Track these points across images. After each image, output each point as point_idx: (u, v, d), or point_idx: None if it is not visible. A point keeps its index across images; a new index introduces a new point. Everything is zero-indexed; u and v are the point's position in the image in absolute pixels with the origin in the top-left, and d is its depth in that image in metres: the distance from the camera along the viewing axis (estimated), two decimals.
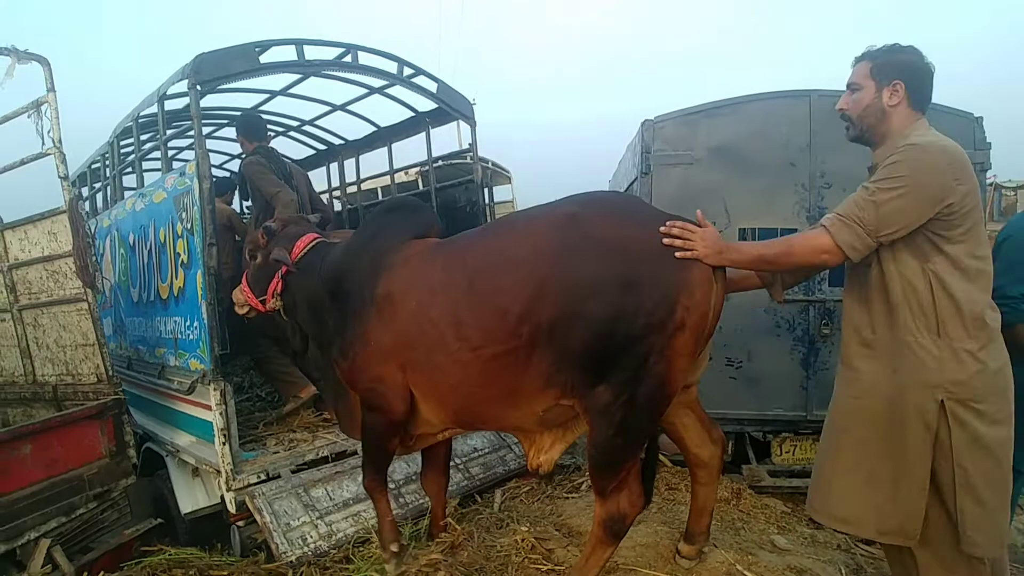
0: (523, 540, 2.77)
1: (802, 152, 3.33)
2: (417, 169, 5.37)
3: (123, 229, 3.92)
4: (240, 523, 3.21)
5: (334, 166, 4.98)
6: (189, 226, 3.11)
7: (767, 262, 1.94)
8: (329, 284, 2.50)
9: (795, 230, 3.37)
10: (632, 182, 3.89)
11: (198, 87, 3.07)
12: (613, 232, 1.93)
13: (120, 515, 3.30)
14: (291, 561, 2.81)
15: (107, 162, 4.35)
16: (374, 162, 4.80)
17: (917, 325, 1.80)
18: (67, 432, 3.08)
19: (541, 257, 1.95)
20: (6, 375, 3.75)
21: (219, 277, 3.05)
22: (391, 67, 3.62)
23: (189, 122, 3.70)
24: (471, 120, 3.99)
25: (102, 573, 2.93)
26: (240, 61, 3.13)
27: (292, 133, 4.78)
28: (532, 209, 2.29)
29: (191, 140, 4.60)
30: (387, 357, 2.27)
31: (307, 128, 4.72)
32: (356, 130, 4.62)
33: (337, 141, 4.80)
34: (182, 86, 3.17)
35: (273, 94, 4.07)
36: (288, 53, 3.29)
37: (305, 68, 3.36)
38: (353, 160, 4.73)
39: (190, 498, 3.54)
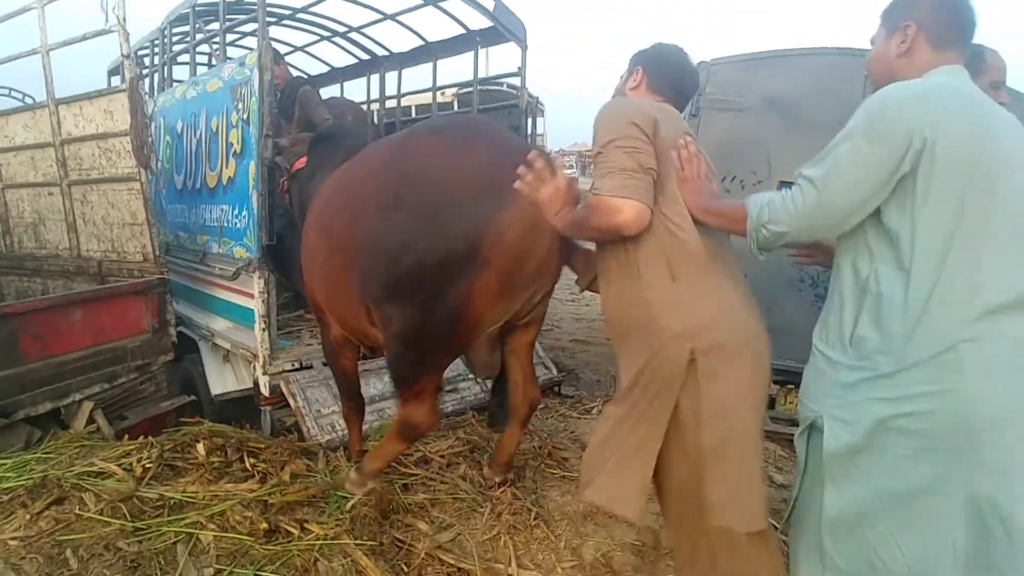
0: (540, 447, 3.10)
1: (850, 112, 3.49)
2: (455, 91, 5.52)
3: (170, 117, 4.11)
4: (269, 407, 3.55)
5: (374, 77, 5.12)
6: (245, 116, 3.31)
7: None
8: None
9: None
10: None
11: None
12: (427, 160, 2.00)
13: (157, 388, 3.63)
14: (321, 443, 3.14)
15: (156, 50, 4.50)
16: (414, 78, 4.97)
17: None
18: (115, 304, 3.38)
19: (365, 180, 2.18)
20: (50, 248, 4.02)
21: (273, 168, 3.27)
22: None
23: (242, 16, 3.86)
24: (523, 43, 4.11)
25: (142, 437, 3.27)
26: None
27: (336, 39, 4.91)
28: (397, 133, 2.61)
29: (237, 35, 4.77)
30: (310, 277, 2.62)
31: (352, 35, 4.85)
32: (399, 42, 4.77)
33: (381, 52, 4.93)
34: None
35: None
36: None
37: None
38: (395, 73, 4.87)
39: (220, 381, 3.87)
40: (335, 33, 4.85)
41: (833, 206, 1.46)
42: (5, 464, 2.78)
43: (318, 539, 2.35)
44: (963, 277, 1.36)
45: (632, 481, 1.78)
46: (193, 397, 3.77)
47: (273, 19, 4.38)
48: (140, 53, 4.85)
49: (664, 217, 1.73)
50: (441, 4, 4.07)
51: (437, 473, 2.88)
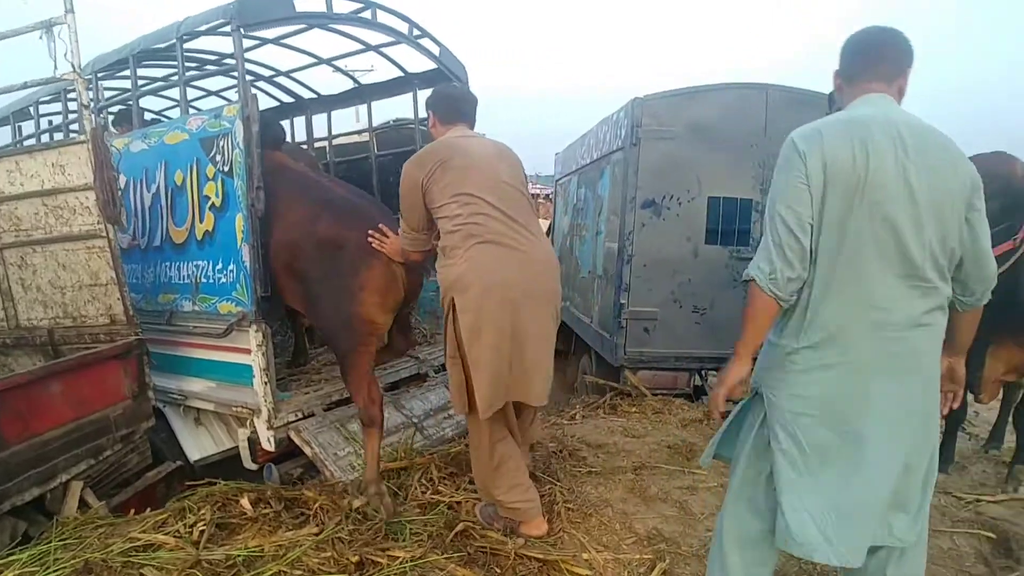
0: (560, 450, 3.47)
1: (759, 136, 4.31)
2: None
3: None
4: (266, 463, 3.54)
5: (299, 120, 5.19)
6: (226, 168, 3.34)
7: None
8: None
9: (751, 200, 4.38)
10: (611, 152, 4.67)
11: (241, 29, 3.30)
12: (336, 228, 3.07)
13: (141, 458, 3.46)
14: (347, 484, 3.23)
15: (69, 97, 4.26)
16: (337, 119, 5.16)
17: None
18: (94, 372, 3.22)
19: (297, 224, 3.18)
20: None
21: (265, 219, 3.34)
22: (402, 27, 4.04)
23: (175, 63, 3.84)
24: (466, 86, 4.47)
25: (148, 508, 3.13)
26: (279, 7, 3.40)
27: (260, 83, 4.92)
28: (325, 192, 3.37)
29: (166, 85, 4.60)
30: None
31: (278, 79, 4.90)
32: (325, 85, 4.92)
33: (309, 95, 5.03)
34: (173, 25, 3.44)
35: (264, 41, 4.27)
36: (316, 3, 3.61)
37: (331, 19, 3.67)
38: (323, 116, 5.01)
39: (196, 446, 3.78)
40: (259, 77, 4.87)
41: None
42: (20, 559, 2.59)
43: (409, 561, 2.52)
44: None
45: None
46: (180, 463, 3.62)
47: (215, 68, 4.37)
48: (41, 101, 4.55)
49: (456, 217, 2.55)
50: (382, 50, 4.32)
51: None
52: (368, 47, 4.33)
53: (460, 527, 2.77)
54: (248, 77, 4.84)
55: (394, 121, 5.49)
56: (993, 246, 3.02)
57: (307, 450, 3.36)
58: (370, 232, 2.96)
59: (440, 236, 2.66)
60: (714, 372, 4.66)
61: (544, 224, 9.00)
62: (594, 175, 5.25)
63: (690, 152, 4.29)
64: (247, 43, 4.27)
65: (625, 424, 3.93)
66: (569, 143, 6.30)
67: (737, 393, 1.93)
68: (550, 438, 3.69)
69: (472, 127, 2.89)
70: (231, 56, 4.18)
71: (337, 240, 3.06)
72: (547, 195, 13.56)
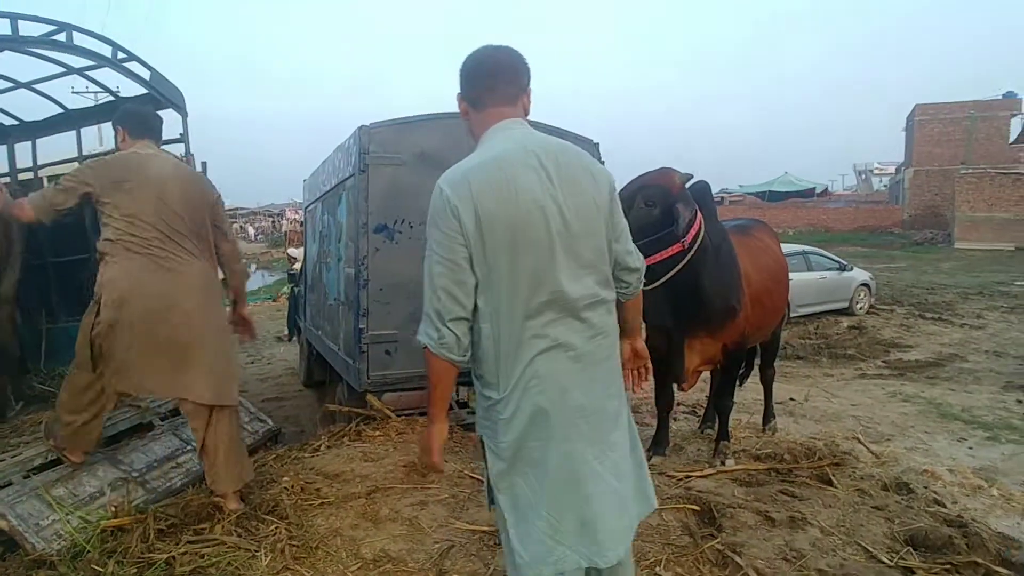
0: (293, 485, 3.49)
1: None
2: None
3: None
4: None
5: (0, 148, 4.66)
6: None
7: None
8: None
9: None
10: (345, 179, 4.76)
11: None
12: None
13: None
14: (56, 551, 2.99)
15: None
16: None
17: None
18: None
19: None
20: None
21: None
22: (105, 50, 3.82)
23: None
24: (183, 110, 4.31)
25: None
26: None
27: None
28: None
29: None
30: None
31: None
32: (27, 110, 4.47)
33: (9, 121, 4.53)
34: None
35: None
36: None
37: (19, 43, 3.40)
38: (27, 144, 4.54)
39: None
40: None
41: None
42: None
43: None
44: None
45: None
46: None
47: None
48: None
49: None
50: (88, 74, 4.05)
51: (195, 543, 3.05)
52: (71, 70, 4.05)
53: None
54: None
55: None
56: (662, 249, 3.58)
57: (2, 524, 3.06)
58: None
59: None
60: (459, 387, 4.89)
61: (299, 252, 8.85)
62: (334, 201, 5.30)
63: (419, 178, 4.45)
64: None
65: (367, 449, 4.03)
66: (314, 169, 6.30)
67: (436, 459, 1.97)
68: (285, 474, 3.69)
69: (158, 143, 3.35)
70: None
71: None
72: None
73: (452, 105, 2.03)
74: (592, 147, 4.91)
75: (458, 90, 1.98)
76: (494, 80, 1.91)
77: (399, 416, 4.48)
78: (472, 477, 3.73)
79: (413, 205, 4.51)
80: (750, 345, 4.56)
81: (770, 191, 36.31)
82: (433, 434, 1.93)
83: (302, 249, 8.00)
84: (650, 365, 2.31)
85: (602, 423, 1.90)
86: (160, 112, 4.45)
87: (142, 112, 3.39)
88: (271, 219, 40.38)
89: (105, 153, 4.89)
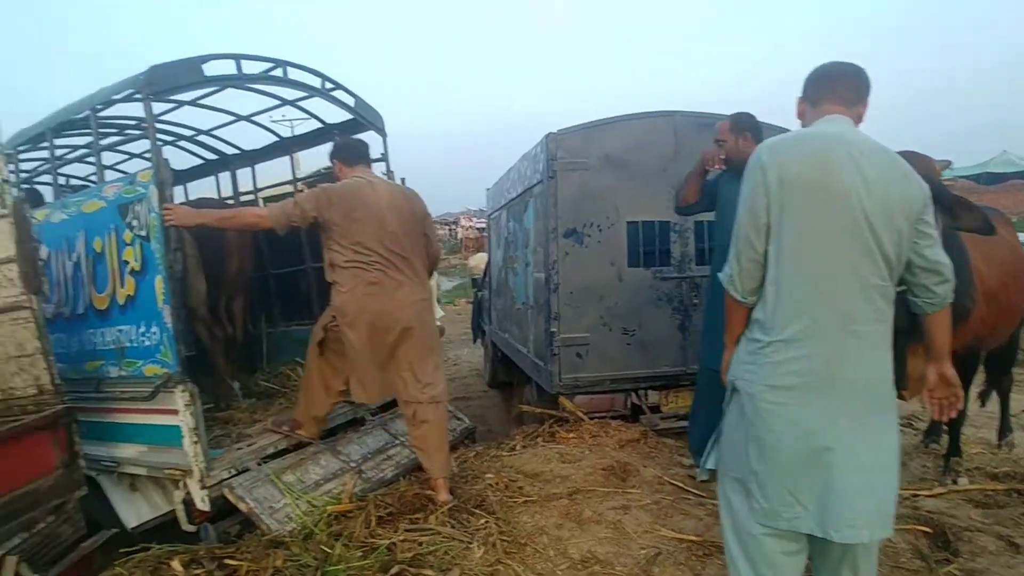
0: (497, 481, 3.59)
1: (670, 160, 4.57)
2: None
3: None
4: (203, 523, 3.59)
5: (224, 175, 5.33)
6: (144, 233, 3.46)
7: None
8: None
9: (668, 222, 4.63)
10: (533, 186, 4.90)
11: (151, 97, 3.45)
12: None
13: (75, 529, 3.48)
14: (288, 532, 3.30)
15: None
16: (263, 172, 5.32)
17: None
18: (22, 443, 3.26)
19: None
20: None
21: (183, 280, 3.44)
22: (315, 81, 4.24)
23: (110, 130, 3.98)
24: (383, 132, 4.68)
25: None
26: (188, 73, 3.56)
27: (182, 143, 5.06)
28: None
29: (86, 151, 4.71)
30: None
31: (201, 138, 5.05)
32: (246, 141, 5.09)
33: (231, 151, 5.18)
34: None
35: (180, 104, 4.41)
36: (226, 67, 3.78)
37: (242, 81, 3.86)
38: (247, 170, 5.17)
39: (133, 512, 3.80)
40: (179, 137, 5.01)
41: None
42: None
43: None
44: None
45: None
46: (115, 530, 3.64)
47: (138, 132, 4.48)
48: None
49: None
50: (299, 104, 4.50)
51: (413, 531, 3.22)
52: (284, 102, 4.50)
53: (395, 569, 2.86)
54: (167, 138, 5.00)
55: (324, 169, 5.65)
56: None
57: (242, 506, 3.42)
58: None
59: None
60: (649, 391, 4.82)
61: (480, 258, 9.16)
62: (520, 208, 5.46)
63: (605, 181, 4.52)
64: (164, 106, 4.43)
65: (562, 450, 4.07)
66: (498, 178, 6.53)
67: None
68: (487, 471, 3.82)
69: (369, 166, 3.76)
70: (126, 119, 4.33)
71: None
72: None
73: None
74: None
75: (798, 94, 2.17)
76: (834, 83, 2.07)
77: (591, 419, 4.48)
78: (672, 484, 3.64)
79: (601, 208, 4.55)
80: (986, 350, 4.06)
81: (986, 172, 32.04)
82: (724, 359, 2.23)
83: (480, 255, 8.30)
84: (961, 394, 2.19)
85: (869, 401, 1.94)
86: (362, 135, 4.88)
87: (350, 143, 3.79)
88: (447, 227, 42.41)
89: (315, 175, 5.41)
